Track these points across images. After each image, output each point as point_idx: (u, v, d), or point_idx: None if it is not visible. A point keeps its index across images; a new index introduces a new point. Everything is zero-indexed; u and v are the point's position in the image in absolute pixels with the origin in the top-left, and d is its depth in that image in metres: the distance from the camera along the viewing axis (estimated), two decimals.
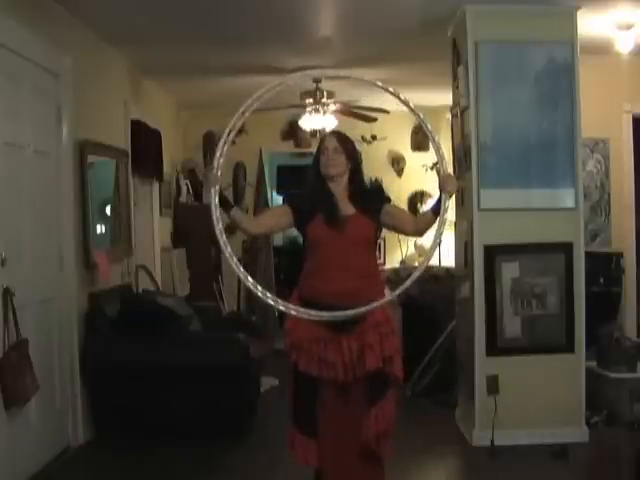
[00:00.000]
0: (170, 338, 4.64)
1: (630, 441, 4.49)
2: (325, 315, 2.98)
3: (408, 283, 2.97)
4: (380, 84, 2.97)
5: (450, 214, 3.27)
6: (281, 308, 3.04)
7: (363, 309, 2.97)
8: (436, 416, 5.15)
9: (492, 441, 4.32)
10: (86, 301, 4.67)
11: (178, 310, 4.99)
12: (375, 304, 3.01)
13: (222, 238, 2.98)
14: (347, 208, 3.18)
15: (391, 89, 2.97)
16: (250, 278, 2.98)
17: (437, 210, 3.03)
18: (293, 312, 3.03)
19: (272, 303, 3.00)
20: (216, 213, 2.99)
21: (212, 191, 3.00)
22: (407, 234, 3.49)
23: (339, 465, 3.14)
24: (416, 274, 3.00)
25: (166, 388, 4.51)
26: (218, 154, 3.01)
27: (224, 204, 3.07)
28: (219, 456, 4.34)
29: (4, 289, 3.57)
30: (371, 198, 3.26)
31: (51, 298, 4.23)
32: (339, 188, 3.21)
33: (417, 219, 3.28)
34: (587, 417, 4.59)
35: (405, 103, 2.97)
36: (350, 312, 2.96)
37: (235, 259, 2.97)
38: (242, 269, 2.98)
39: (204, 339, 4.93)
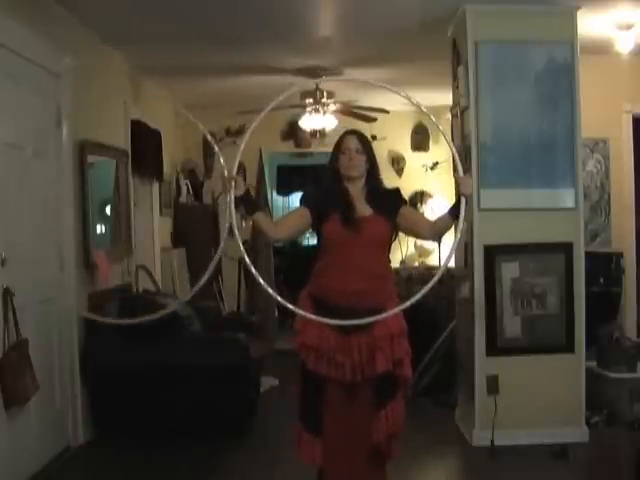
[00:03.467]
0: (170, 338, 4.63)
1: (630, 441, 4.49)
2: (344, 322, 2.95)
3: (423, 292, 2.90)
4: (394, 89, 2.95)
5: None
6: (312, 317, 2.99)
7: (377, 317, 2.95)
8: (436, 416, 5.14)
9: (492, 441, 4.32)
10: (86, 301, 4.67)
11: (178, 310, 4.98)
12: (389, 313, 2.98)
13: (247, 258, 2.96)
14: (364, 209, 3.16)
15: (403, 93, 2.94)
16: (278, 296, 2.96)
17: (455, 213, 2.98)
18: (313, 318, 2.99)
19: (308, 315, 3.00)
20: (234, 225, 2.93)
21: (231, 196, 2.94)
22: (423, 238, 3.46)
23: (343, 466, 3.14)
24: (434, 279, 2.92)
25: (166, 388, 4.51)
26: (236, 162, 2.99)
27: (251, 206, 3.04)
28: (219, 456, 4.34)
29: (4, 289, 3.57)
30: (388, 199, 3.23)
31: (51, 298, 4.23)
32: (356, 188, 3.20)
33: (434, 223, 3.21)
34: (587, 417, 4.59)
35: (418, 106, 2.94)
36: (365, 320, 2.93)
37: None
38: (269, 289, 2.94)
39: (204, 339, 4.92)
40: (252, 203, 3.13)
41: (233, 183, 2.96)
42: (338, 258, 3.12)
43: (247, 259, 2.98)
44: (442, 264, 3.06)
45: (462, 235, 3.00)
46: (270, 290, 2.90)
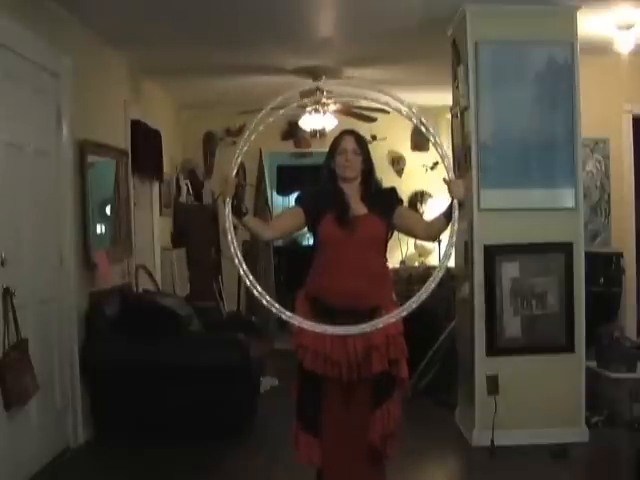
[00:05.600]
0: (170, 338, 4.64)
1: (630, 441, 4.49)
2: (337, 330, 2.91)
3: (424, 296, 2.87)
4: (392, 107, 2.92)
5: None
6: (303, 325, 2.93)
7: (374, 323, 2.91)
8: (436, 416, 5.15)
9: (492, 441, 4.32)
10: (86, 301, 4.67)
11: (178, 310, 4.99)
12: (387, 318, 2.94)
13: (242, 264, 2.92)
14: (359, 208, 3.16)
15: (410, 112, 2.91)
16: (268, 297, 2.92)
17: (449, 215, 2.96)
18: (308, 327, 2.93)
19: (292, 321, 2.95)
20: (230, 230, 2.92)
21: (227, 203, 2.94)
22: (419, 238, 3.44)
23: (341, 465, 3.13)
24: (432, 285, 2.90)
25: (166, 388, 4.51)
26: (236, 164, 2.96)
27: (237, 211, 3.01)
28: (219, 456, 4.34)
29: (4, 289, 3.57)
30: (383, 199, 3.23)
31: (51, 298, 4.23)
32: (352, 188, 3.20)
33: (429, 224, 3.20)
34: (587, 417, 4.59)
35: (410, 118, 2.92)
36: (364, 327, 2.89)
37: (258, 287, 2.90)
38: (262, 292, 2.91)
39: (204, 339, 4.93)
40: (240, 209, 3.08)
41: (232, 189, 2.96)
42: (334, 258, 3.12)
43: (240, 267, 2.95)
44: (439, 268, 2.98)
45: (456, 237, 2.98)
46: (256, 290, 2.87)
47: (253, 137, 2.95)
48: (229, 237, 2.93)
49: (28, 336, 3.75)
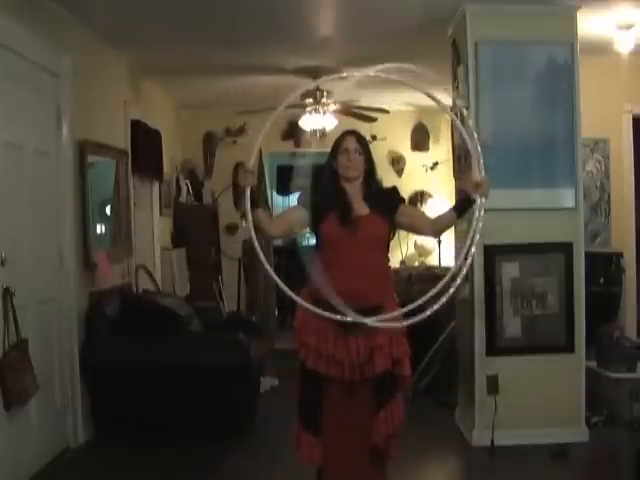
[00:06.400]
0: (170, 338, 4.64)
1: (630, 441, 4.49)
2: (347, 318, 2.94)
3: (436, 307, 2.98)
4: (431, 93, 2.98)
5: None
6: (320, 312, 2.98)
7: (380, 318, 2.96)
8: (436, 416, 5.14)
9: (492, 441, 4.32)
10: (86, 301, 4.67)
11: (178, 310, 4.99)
12: (392, 316, 2.99)
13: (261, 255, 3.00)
14: (361, 208, 3.17)
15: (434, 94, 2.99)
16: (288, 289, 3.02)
17: (460, 210, 3.04)
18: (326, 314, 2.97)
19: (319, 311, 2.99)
20: (249, 213, 2.99)
21: (247, 192, 2.99)
22: (424, 234, 3.46)
23: (342, 465, 3.13)
24: (443, 299, 2.97)
25: (166, 388, 4.51)
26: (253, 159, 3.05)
27: (252, 202, 3.04)
28: (219, 456, 4.34)
29: (4, 289, 3.57)
30: (385, 198, 3.24)
31: (51, 298, 4.23)
32: (354, 188, 3.20)
33: (436, 219, 3.24)
34: (587, 417, 4.59)
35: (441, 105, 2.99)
36: (369, 320, 2.93)
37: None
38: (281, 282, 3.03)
39: (204, 339, 4.93)
40: (253, 201, 3.12)
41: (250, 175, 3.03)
42: (336, 258, 3.12)
43: (259, 254, 3.01)
44: (460, 271, 3.05)
45: (458, 237, 3.02)
46: (272, 275, 2.93)
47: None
48: (249, 218, 2.99)
49: (28, 336, 3.75)
